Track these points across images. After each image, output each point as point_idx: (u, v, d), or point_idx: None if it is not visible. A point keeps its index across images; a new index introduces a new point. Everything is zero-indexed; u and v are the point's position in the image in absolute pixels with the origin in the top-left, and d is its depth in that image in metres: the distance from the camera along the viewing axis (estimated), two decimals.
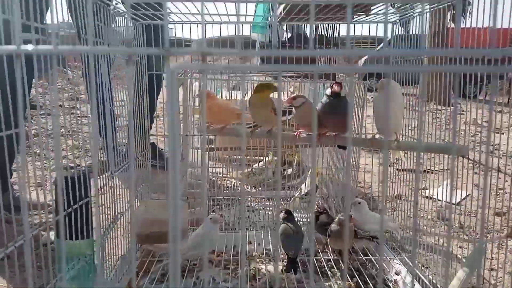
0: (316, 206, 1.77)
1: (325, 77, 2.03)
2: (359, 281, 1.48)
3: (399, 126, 1.42)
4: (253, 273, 1.55)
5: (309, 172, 2.28)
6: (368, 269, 1.58)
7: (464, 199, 2.27)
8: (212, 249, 1.68)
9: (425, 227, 1.94)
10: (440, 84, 1.40)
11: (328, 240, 1.64)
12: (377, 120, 1.39)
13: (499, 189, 2.31)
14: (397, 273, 1.54)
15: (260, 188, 2.43)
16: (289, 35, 2.42)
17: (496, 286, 1.47)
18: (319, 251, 1.72)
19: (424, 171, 2.35)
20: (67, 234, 1.07)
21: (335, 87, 1.31)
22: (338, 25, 2.36)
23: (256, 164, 2.47)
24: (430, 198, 2.20)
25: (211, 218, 1.57)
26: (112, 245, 1.40)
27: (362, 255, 1.67)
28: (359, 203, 1.71)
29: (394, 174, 1.79)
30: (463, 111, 1.74)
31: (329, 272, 1.55)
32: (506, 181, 2.44)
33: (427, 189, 2.40)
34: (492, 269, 1.55)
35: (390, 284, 1.48)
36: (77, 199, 1.08)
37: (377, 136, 1.46)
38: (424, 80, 1.44)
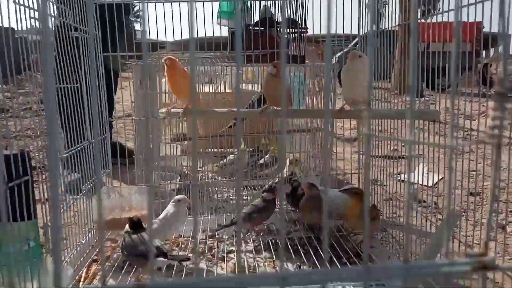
0: (292, 179, 1.69)
1: (293, 61, 1.97)
2: (333, 256, 1.42)
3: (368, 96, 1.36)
4: (223, 254, 1.47)
5: (288, 160, 2.20)
6: (344, 244, 1.52)
7: (438, 182, 2.25)
8: (178, 233, 1.59)
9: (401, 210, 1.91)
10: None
11: (300, 214, 1.57)
12: (347, 90, 1.33)
13: (472, 171, 2.29)
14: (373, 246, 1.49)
15: (234, 178, 2.35)
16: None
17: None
18: (292, 230, 1.66)
19: (399, 157, 2.34)
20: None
21: None
22: (306, 10, 2.31)
23: (230, 155, 2.38)
24: (403, 181, 2.18)
25: (179, 200, 1.48)
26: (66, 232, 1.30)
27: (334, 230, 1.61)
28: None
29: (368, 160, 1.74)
30: (434, 100, 1.73)
31: (301, 250, 1.48)
32: (479, 163, 2.46)
33: (402, 173, 2.40)
34: (469, 246, 1.51)
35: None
36: (13, 177, 0.97)
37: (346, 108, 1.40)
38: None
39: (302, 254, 1.45)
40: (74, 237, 1.37)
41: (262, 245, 1.54)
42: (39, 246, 1.06)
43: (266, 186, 1.70)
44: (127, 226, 1.29)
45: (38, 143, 1.66)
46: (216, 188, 2.15)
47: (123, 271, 1.34)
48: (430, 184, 2.19)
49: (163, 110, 1.58)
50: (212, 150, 2.22)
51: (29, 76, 1.03)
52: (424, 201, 1.98)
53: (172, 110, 1.54)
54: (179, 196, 1.50)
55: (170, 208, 1.48)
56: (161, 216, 1.48)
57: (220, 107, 2.28)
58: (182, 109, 1.51)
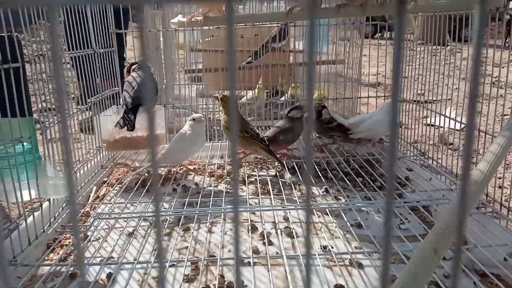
0: (316, 103, 1.53)
1: None
2: (366, 177, 1.27)
3: None
4: (244, 177, 1.34)
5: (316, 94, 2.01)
6: (376, 168, 1.37)
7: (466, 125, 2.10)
8: (195, 153, 1.44)
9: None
10: (436, 26, 1.34)
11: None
12: None
13: (505, 115, 2.16)
14: (409, 169, 1.33)
15: (251, 118, 2.19)
16: None
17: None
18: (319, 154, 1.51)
19: (425, 101, 2.18)
20: None
21: None
22: None
23: (247, 95, 2.22)
24: (432, 125, 2.01)
25: (194, 119, 1.33)
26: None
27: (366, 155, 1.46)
28: None
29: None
30: (460, 49, 1.59)
31: (330, 174, 1.33)
32: (510, 108, 2.40)
33: (427, 117, 2.25)
34: (500, 187, 1.35)
35: (401, 182, 1.27)
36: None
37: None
38: None
39: (333, 177, 1.30)
40: (77, 152, 1.25)
41: (287, 169, 1.40)
42: (36, 149, 0.93)
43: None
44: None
45: (51, 86, 1.54)
46: None
47: (133, 192, 1.22)
48: (458, 127, 2.05)
49: (175, 20, 1.40)
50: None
51: (42, 25, 1.02)
52: (451, 144, 1.86)
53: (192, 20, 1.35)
54: (195, 115, 1.35)
55: (186, 128, 1.33)
56: (176, 137, 1.34)
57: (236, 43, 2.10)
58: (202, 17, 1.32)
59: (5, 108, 0.83)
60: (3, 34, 0.84)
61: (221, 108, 1.43)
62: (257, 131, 1.35)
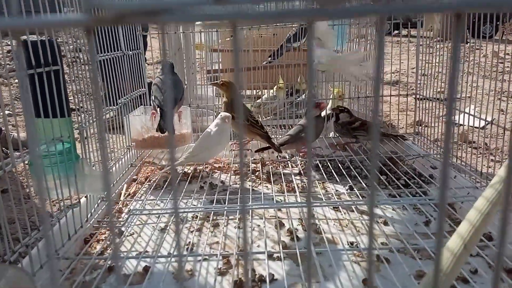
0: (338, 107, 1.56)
1: None
2: (390, 175, 1.28)
3: None
4: (268, 175, 1.36)
5: (331, 95, 2.03)
6: (400, 166, 1.38)
7: (488, 123, 2.08)
8: (220, 152, 1.48)
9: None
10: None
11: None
12: None
13: None
14: (433, 167, 1.34)
15: (271, 117, 2.22)
16: None
17: None
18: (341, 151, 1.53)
19: (445, 99, 2.17)
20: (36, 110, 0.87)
21: None
22: None
23: (266, 94, 2.24)
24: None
25: (222, 117, 1.36)
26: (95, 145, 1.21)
27: (390, 153, 1.47)
28: None
29: (413, 103, 1.63)
30: (479, 46, 1.59)
31: (353, 172, 1.35)
32: None
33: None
34: None
35: (426, 179, 1.28)
36: (42, 65, 0.87)
37: None
38: None
39: (356, 175, 1.32)
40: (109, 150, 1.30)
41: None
42: (74, 148, 0.98)
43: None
44: None
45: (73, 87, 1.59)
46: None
47: (162, 190, 1.26)
48: (479, 125, 2.04)
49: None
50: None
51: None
52: (474, 142, 1.85)
53: None
54: (223, 114, 1.38)
55: (213, 125, 1.36)
56: (202, 136, 1.37)
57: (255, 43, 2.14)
58: None
59: (47, 108, 0.87)
60: (44, 38, 0.88)
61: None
62: (256, 119, 1.40)
